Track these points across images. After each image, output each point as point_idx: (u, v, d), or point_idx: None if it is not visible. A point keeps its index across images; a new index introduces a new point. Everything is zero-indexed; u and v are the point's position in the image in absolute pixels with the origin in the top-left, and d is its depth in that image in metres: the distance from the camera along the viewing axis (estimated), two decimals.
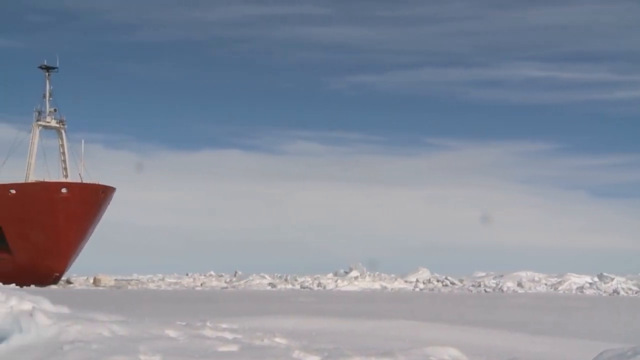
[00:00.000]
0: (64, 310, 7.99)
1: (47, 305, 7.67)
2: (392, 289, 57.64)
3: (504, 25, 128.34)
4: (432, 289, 59.18)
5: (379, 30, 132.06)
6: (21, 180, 55.32)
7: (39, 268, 52.05)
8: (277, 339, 8.41)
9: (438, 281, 64.70)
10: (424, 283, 62.97)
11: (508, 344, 10.90)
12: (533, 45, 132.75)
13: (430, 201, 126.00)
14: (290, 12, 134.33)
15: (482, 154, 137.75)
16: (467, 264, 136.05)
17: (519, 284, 62.10)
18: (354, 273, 64.97)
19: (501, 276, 70.36)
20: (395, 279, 64.32)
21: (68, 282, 59.54)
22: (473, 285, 62.64)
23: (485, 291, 57.52)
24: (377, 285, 59.08)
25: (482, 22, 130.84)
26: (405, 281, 63.85)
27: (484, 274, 75.16)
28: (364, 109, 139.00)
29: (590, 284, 62.31)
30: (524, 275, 69.94)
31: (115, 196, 56.98)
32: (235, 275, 67.89)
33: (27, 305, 7.33)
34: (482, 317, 18.95)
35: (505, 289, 58.75)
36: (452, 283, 63.91)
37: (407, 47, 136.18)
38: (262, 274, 66.21)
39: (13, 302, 7.31)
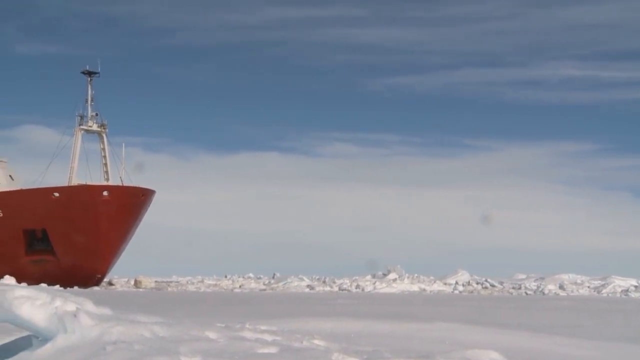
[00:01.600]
0: (107, 311, 8.12)
1: (90, 306, 7.80)
2: (430, 291, 57.20)
3: (542, 24, 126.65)
4: (472, 291, 58.56)
5: (416, 31, 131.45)
6: (64, 184, 56.46)
7: (82, 270, 53.00)
8: (316, 341, 8.41)
9: (477, 283, 64.03)
10: (463, 285, 62.36)
11: (550, 347, 10.72)
12: (572, 44, 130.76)
13: (469, 202, 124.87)
14: (326, 14, 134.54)
15: (521, 155, 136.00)
16: (507, 266, 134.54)
17: (561, 287, 61.09)
18: (392, 275, 64.72)
19: (542, 278, 69.36)
20: (434, 281, 63.84)
21: (110, 283, 60.52)
22: (513, 288, 61.82)
23: (526, 294, 56.69)
24: (415, 288, 58.70)
25: (519, 21, 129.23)
26: (444, 283, 63.32)
27: (524, 276, 74.18)
28: (401, 110, 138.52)
29: (635, 287, 60.97)
30: (566, 277, 68.86)
31: (155, 199, 57.79)
32: (273, 278, 68.20)
33: (71, 307, 7.46)
34: (523, 320, 18.68)
35: (546, 291, 57.82)
36: (492, 285, 63.18)
37: (444, 47, 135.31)
38: (300, 276, 66.39)
39: (58, 303, 7.45)
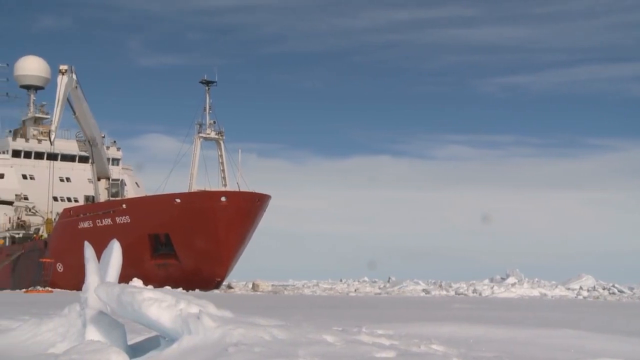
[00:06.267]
0: (227, 314, 8.34)
1: (212, 308, 8.05)
2: (552, 297, 55.00)
3: None
4: (597, 297, 55.74)
5: (531, 28, 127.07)
6: (185, 190, 58.89)
7: (203, 273, 54.95)
8: (434, 346, 8.28)
9: (604, 289, 60.88)
10: (587, 291, 59.52)
11: None
12: None
13: (592, 204, 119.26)
14: (436, 15, 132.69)
15: None
16: (636, 271, 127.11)
17: None
18: (511, 279, 62.83)
19: None
20: (556, 286, 61.36)
21: (229, 287, 62.46)
22: None
23: None
24: (535, 292, 56.64)
25: None
26: (567, 288, 60.71)
27: None
28: (516, 110, 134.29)
29: None
30: None
31: (271, 203, 59.09)
32: (388, 281, 67.99)
33: (194, 309, 7.73)
34: None
35: None
36: (620, 291, 59.85)
37: (562, 44, 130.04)
38: (415, 280, 65.80)
39: (182, 305, 7.74)
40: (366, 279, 72.44)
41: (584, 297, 55.19)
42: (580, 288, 60.35)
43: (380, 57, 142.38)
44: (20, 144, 72.42)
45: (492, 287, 58.43)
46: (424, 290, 60.21)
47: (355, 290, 61.16)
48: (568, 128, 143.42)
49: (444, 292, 57.93)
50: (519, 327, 13.75)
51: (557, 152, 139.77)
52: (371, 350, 7.25)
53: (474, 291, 56.85)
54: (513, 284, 60.57)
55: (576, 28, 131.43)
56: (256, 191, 57.39)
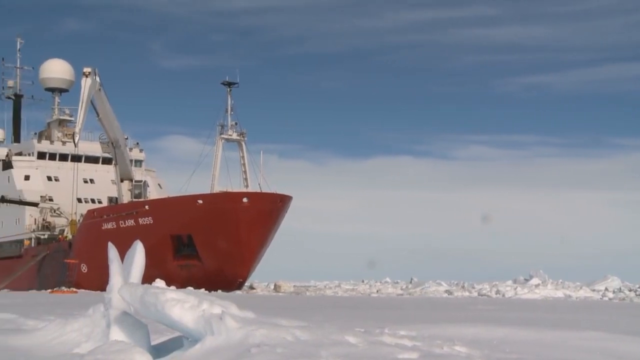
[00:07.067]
0: (249, 314, 8.36)
1: (234, 309, 8.07)
2: (577, 298, 54.42)
3: None
4: (623, 299, 55.03)
5: (553, 27, 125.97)
6: (207, 191, 59.17)
7: (225, 274, 55.17)
8: (457, 347, 8.23)
9: (630, 290, 60.09)
10: (613, 292, 58.78)
11: None
12: None
13: (616, 204, 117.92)
14: (459, 15, 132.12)
15: None
16: None
17: None
18: (535, 280, 62.30)
19: None
20: (581, 287, 60.69)
21: (251, 287, 62.71)
22: None
23: None
24: (560, 294, 56.06)
25: None
26: (592, 290, 60.02)
27: None
28: (539, 110, 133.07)
29: None
30: None
31: (292, 204, 59.16)
32: (411, 282, 67.77)
33: (217, 309, 7.76)
34: None
35: None
36: None
37: (584, 43, 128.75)
38: (438, 281, 65.52)
39: (205, 306, 7.78)
40: (388, 279, 72.28)
41: (610, 299, 54.49)
42: (606, 289, 59.63)
43: (402, 58, 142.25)
44: (45, 146, 73.37)
45: (515, 288, 57.94)
46: (446, 291, 59.91)
47: (377, 291, 61.01)
48: (591, 128, 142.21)
49: (467, 293, 57.56)
50: (543, 328, 13.62)
51: (581, 152, 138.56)
52: (394, 352, 7.23)
53: (497, 292, 56.42)
54: (537, 285, 60.02)
55: (599, 26, 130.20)
56: (278, 192, 57.51)
